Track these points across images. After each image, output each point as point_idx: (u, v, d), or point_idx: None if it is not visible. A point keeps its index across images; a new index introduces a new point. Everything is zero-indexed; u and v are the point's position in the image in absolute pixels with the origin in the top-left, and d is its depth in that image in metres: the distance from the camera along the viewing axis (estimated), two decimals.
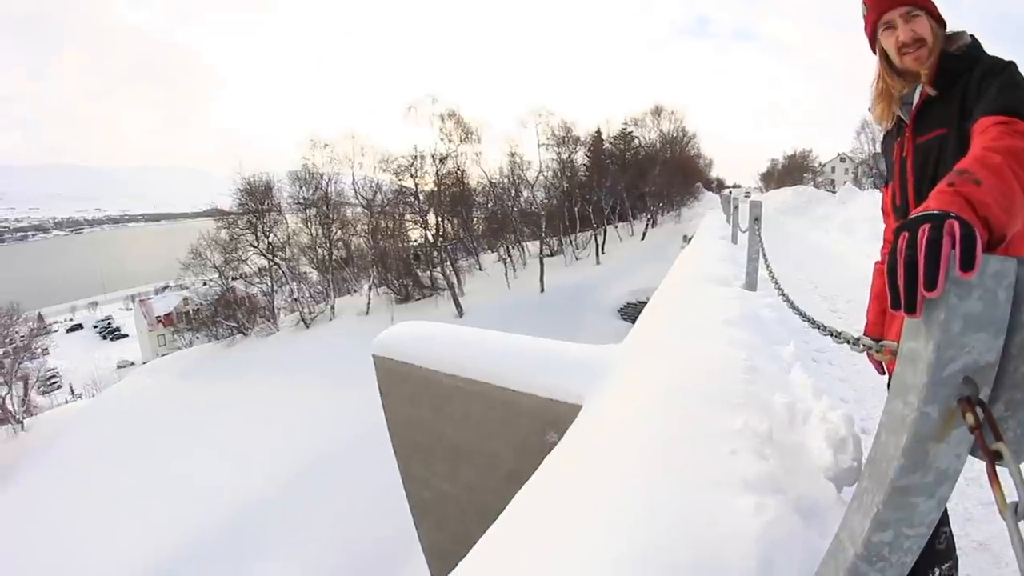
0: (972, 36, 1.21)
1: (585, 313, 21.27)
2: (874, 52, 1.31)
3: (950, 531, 1.27)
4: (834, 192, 25.53)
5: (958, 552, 1.31)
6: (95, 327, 72.08)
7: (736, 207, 11.52)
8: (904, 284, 0.64)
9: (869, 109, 1.36)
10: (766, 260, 4.59)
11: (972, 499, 1.99)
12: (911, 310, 0.64)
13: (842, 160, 50.01)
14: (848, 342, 1.60)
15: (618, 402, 2.46)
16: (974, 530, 1.86)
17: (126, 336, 62.21)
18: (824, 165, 53.47)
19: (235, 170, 24.70)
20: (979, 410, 0.62)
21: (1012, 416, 0.68)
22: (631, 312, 20.15)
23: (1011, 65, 1.10)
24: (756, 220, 5.30)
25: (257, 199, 24.46)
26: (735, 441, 1.68)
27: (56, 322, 77.74)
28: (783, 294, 3.32)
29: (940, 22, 1.22)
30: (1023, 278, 0.63)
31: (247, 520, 11.69)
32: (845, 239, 11.09)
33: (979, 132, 0.97)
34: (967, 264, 0.61)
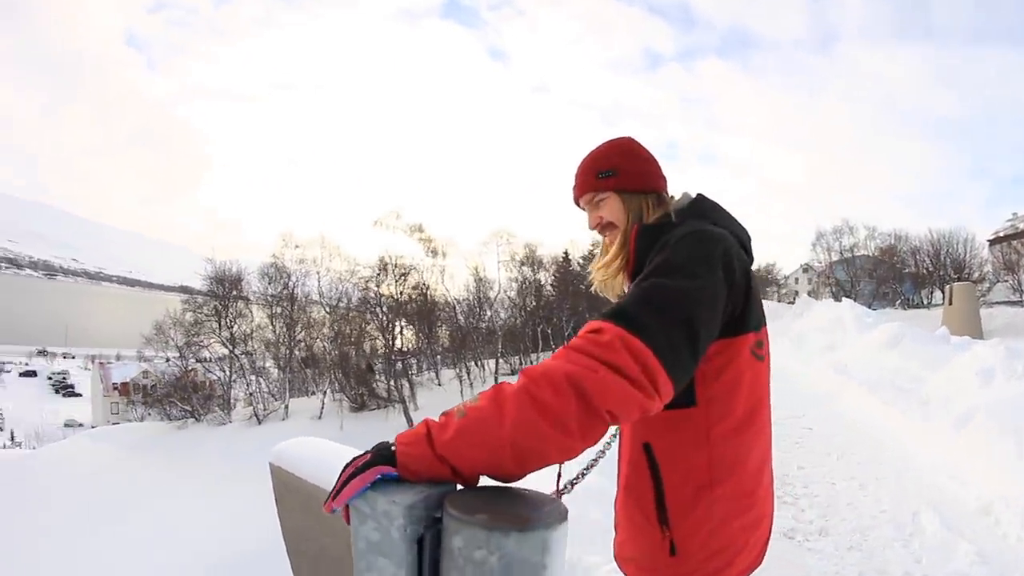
0: (693, 196, 1.12)
1: None
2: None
3: None
4: (793, 304, 24.98)
5: None
6: (50, 379, 70.26)
7: None
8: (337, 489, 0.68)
9: (588, 274, 1.30)
10: None
11: None
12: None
13: (805, 270, 47.45)
14: None
15: None
16: None
17: (79, 395, 59.44)
18: (788, 277, 50.93)
19: (209, 255, 25.01)
20: None
21: None
22: None
23: (683, 240, 0.94)
24: None
25: (226, 288, 24.52)
26: None
27: (10, 363, 76.09)
28: None
29: (647, 192, 1.12)
30: (452, 526, 0.61)
31: None
32: (797, 351, 11.30)
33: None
34: (336, 502, 0.67)
